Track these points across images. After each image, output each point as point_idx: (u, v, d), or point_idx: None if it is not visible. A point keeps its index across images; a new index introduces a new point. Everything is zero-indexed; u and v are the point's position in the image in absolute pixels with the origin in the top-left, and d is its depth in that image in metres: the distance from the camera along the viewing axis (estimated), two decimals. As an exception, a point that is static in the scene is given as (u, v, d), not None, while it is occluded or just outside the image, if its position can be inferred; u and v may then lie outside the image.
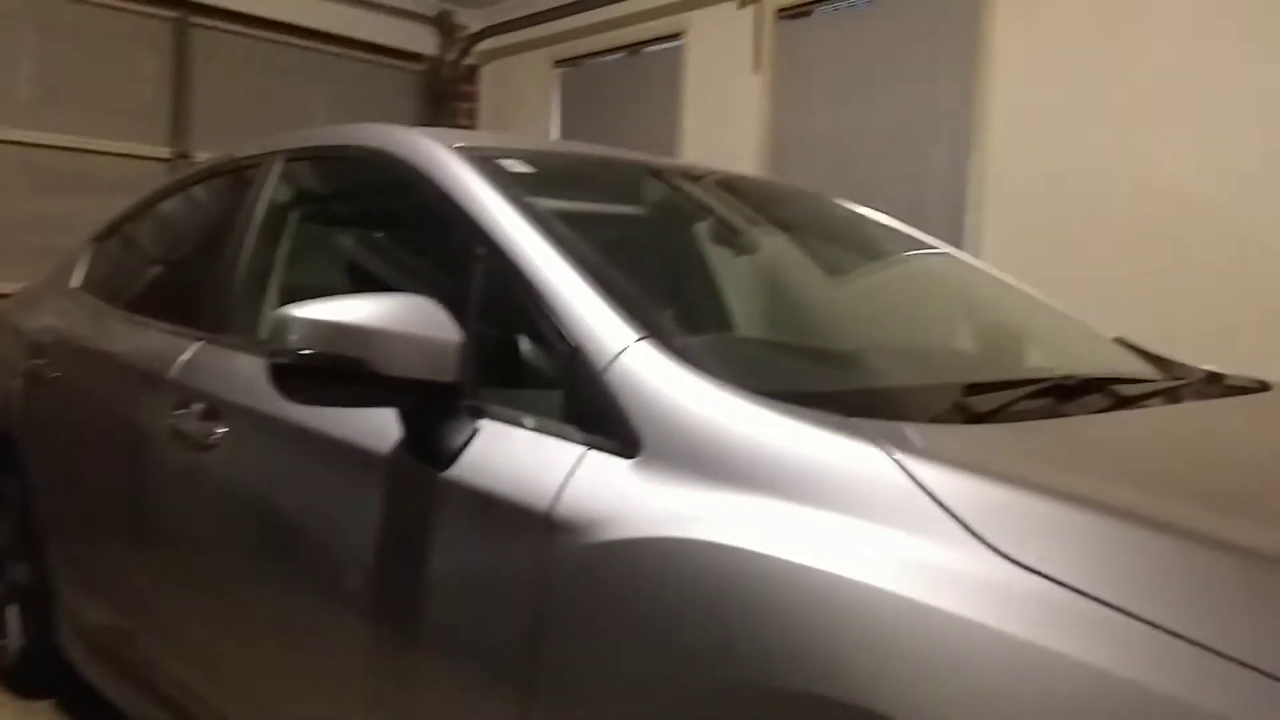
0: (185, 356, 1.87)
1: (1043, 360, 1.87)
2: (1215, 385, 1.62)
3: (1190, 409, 1.45)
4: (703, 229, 2.08)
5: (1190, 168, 3.09)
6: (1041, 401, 1.31)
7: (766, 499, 0.99)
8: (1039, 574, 0.82)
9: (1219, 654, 0.72)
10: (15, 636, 2.52)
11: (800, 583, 0.90)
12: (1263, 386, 1.62)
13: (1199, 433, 1.33)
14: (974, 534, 0.87)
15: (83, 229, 2.93)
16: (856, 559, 0.89)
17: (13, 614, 2.54)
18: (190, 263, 2.31)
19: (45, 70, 4.00)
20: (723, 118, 4.29)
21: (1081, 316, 1.97)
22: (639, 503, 1.06)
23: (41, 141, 3.99)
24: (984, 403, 1.25)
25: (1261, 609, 0.77)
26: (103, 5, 4.12)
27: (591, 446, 1.15)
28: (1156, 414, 1.39)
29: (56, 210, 3.92)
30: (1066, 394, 1.35)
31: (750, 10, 4.16)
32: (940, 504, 0.91)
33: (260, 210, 1.95)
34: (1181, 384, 1.58)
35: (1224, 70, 3.04)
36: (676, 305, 1.35)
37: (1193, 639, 0.74)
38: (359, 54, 4.92)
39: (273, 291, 1.88)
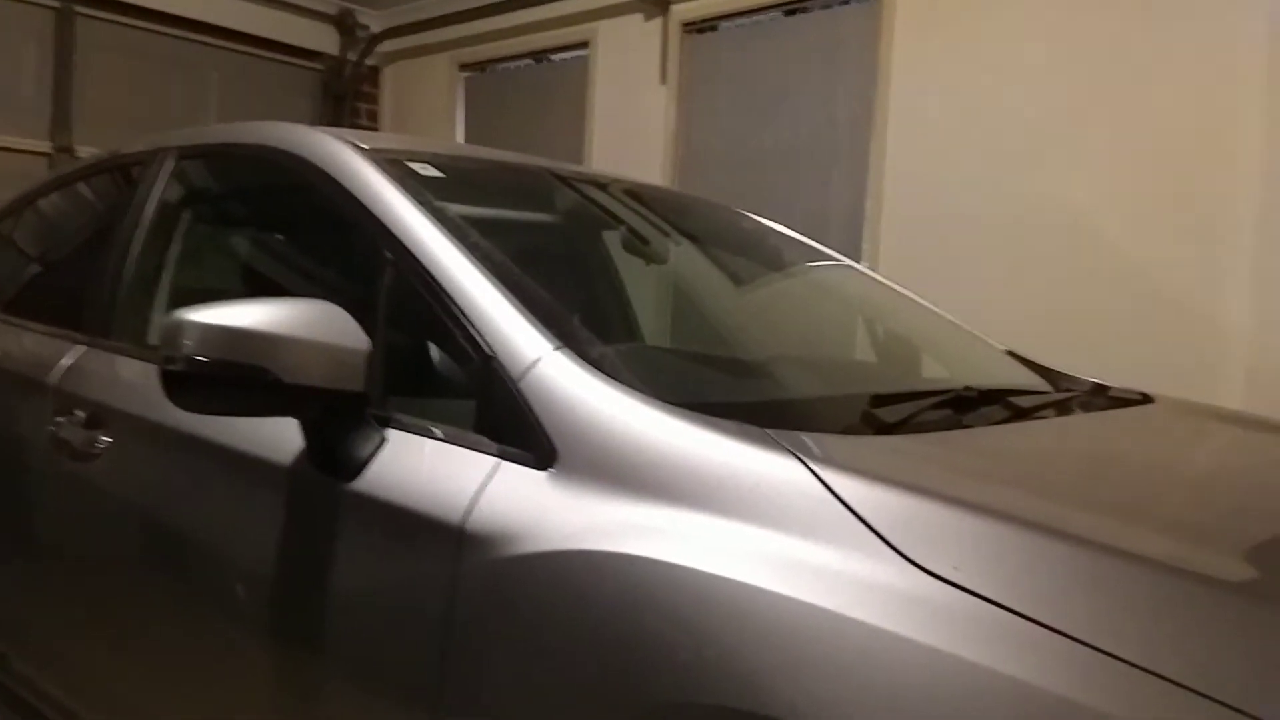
0: (67, 361, 1.77)
1: (941, 372, 1.93)
2: (1102, 397, 1.70)
3: (1082, 420, 1.51)
4: (611, 238, 2.07)
5: (1074, 188, 3.24)
6: (944, 413, 1.35)
7: (683, 511, 0.98)
8: (952, 584, 0.83)
9: (1124, 661, 0.75)
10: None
11: (716, 595, 0.90)
12: (1146, 399, 1.70)
13: (1092, 444, 1.39)
14: (889, 544, 0.88)
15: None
16: (772, 570, 0.89)
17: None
18: (73, 263, 2.19)
19: None
20: (629, 128, 4.31)
21: (974, 328, 2.04)
22: (553, 515, 1.04)
23: None
24: (891, 414, 1.27)
25: (1158, 615, 0.80)
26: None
27: (505, 458, 1.12)
28: (1051, 425, 1.44)
29: None
30: (966, 405, 1.39)
31: (657, 23, 4.19)
32: (856, 514, 0.91)
33: (150, 209, 1.85)
34: (1072, 396, 1.65)
35: (1106, 92, 3.20)
36: (588, 315, 1.34)
37: (1100, 647, 0.76)
38: (255, 51, 4.75)
39: (163, 295, 1.79)
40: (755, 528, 0.94)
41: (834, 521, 0.91)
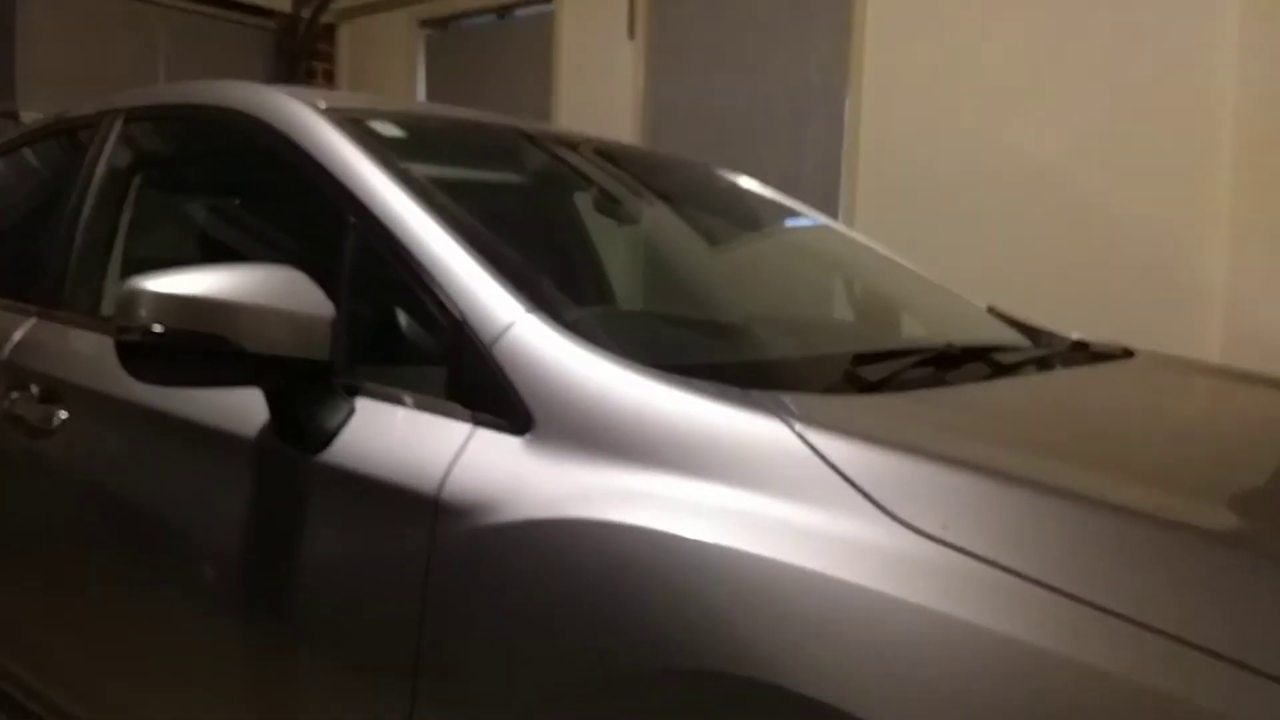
0: (18, 335, 1.71)
1: (922, 330, 1.91)
2: (1084, 353, 1.69)
3: (1064, 376, 1.50)
4: (583, 198, 2.03)
5: (1050, 144, 3.23)
6: (926, 371, 1.33)
7: (664, 475, 0.96)
8: (940, 542, 0.82)
9: (1114, 614, 0.74)
10: None
11: (699, 559, 0.88)
12: (1127, 354, 1.70)
13: (1076, 399, 1.38)
14: (875, 503, 0.87)
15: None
16: (757, 532, 0.87)
17: None
18: (21, 232, 2.11)
19: None
20: (597, 86, 4.23)
21: (953, 285, 2.03)
22: (531, 482, 1.01)
23: None
24: (873, 372, 1.25)
25: (1146, 567, 0.79)
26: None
27: (479, 425, 1.09)
28: (1033, 381, 1.43)
29: None
30: (949, 363, 1.37)
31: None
32: (840, 474, 0.89)
33: (100, 174, 1.78)
34: (1052, 352, 1.64)
35: (1082, 47, 3.18)
36: (560, 277, 1.30)
37: (1090, 601, 0.75)
38: (205, 9, 4.61)
39: (116, 263, 1.73)
40: (737, 490, 0.92)
41: (818, 481, 0.90)
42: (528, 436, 1.05)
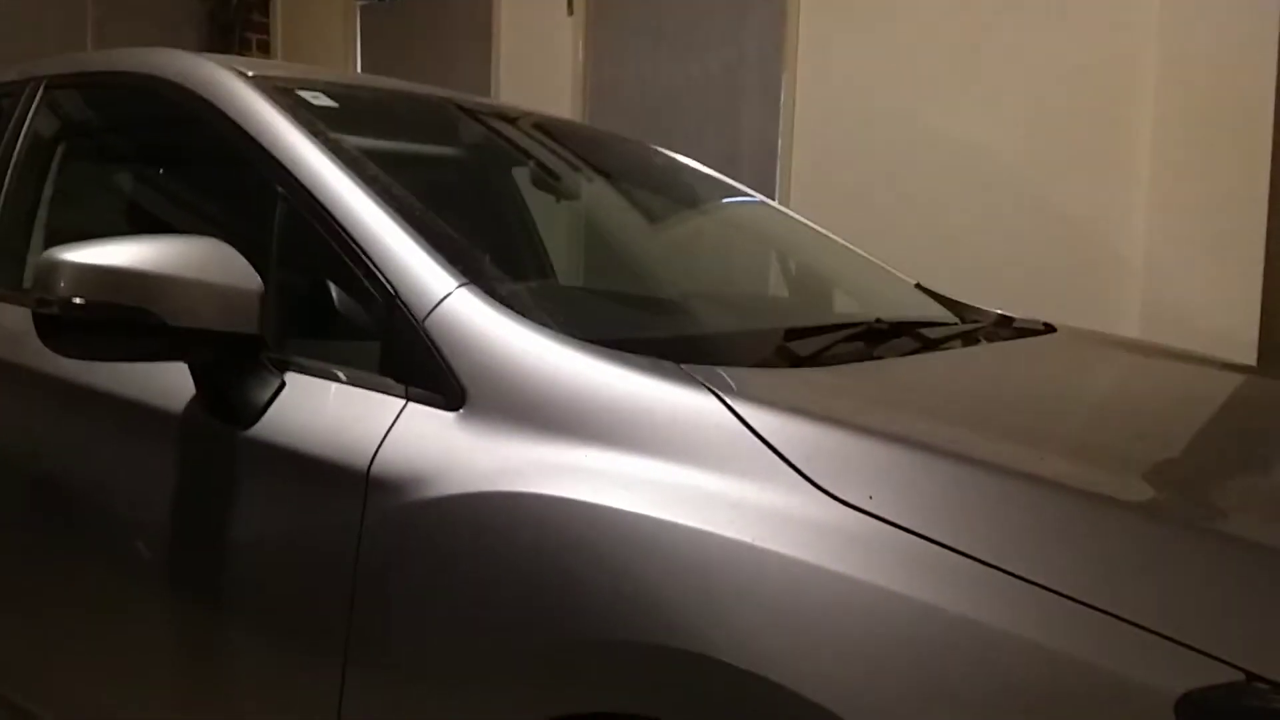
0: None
1: (852, 306, 1.94)
2: (1007, 328, 1.73)
3: (988, 350, 1.53)
4: (519, 173, 2.01)
5: (977, 121, 3.29)
6: (856, 345, 1.35)
7: (597, 448, 0.96)
8: (866, 513, 0.84)
9: (1031, 583, 0.76)
10: None
11: (631, 532, 0.89)
12: (1049, 329, 1.74)
13: (998, 372, 1.41)
14: (803, 475, 0.88)
15: None
16: (688, 505, 0.88)
17: None
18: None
19: None
20: (536, 61, 4.19)
21: (883, 263, 2.06)
22: (464, 457, 1.01)
23: None
24: (803, 347, 1.27)
25: (1063, 537, 0.82)
26: None
27: (412, 399, 1.08)
28: (959, 355, 1.46)
29: None
30: (878, 338, 1.40)
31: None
32: (770, 447, 0.91)
33: (20, 143, 1.72)
34: (978, 327, 1.68)
35: (1011, 25, 3.23)
36: (495, 251, 1.29)
37: (1008, 569, 0.77)
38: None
39: (37, 234, 1.67)
40: (670, 463, 0.93)
41: (748, 454, 0.91)
42: (461, 411, 1.05)
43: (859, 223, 3.11)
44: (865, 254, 2.06)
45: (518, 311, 1.10)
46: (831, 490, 0.86)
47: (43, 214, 1.70)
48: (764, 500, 0.87)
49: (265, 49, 4.90)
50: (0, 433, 1.47)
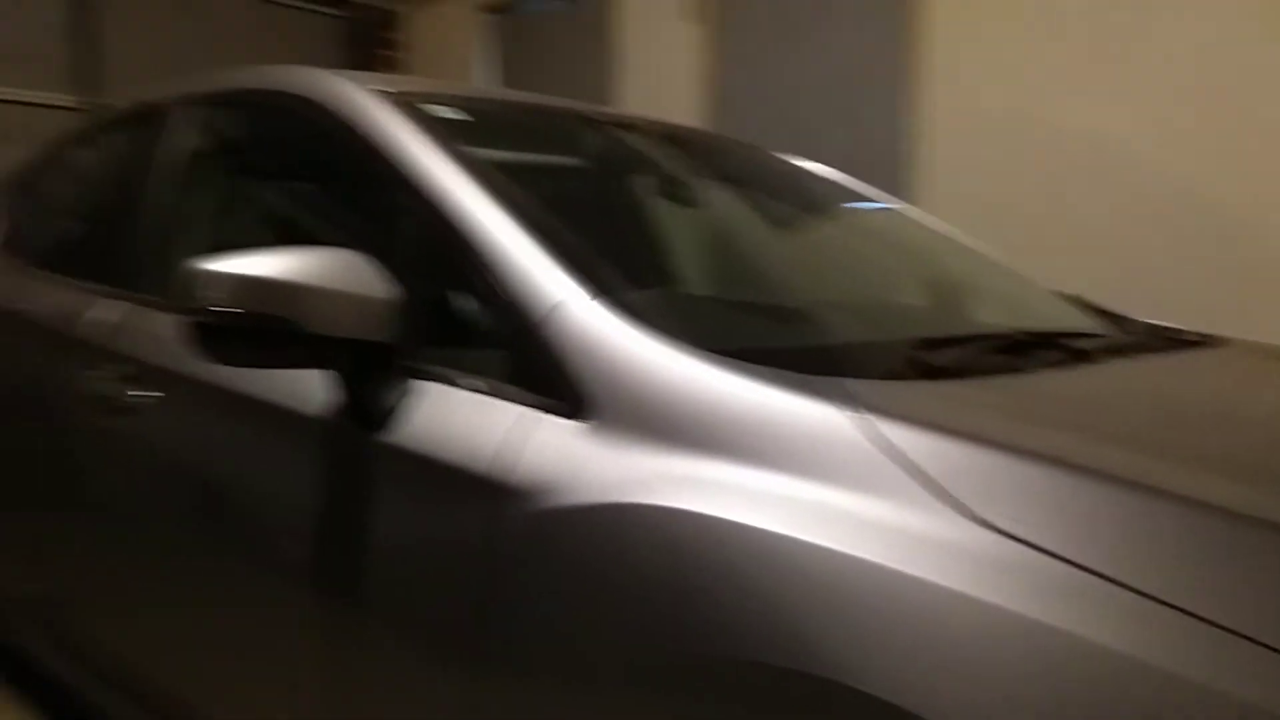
0: (100, 315, 1.75)
1: (993, 316, 1.85)
2: (1164, 339, 1.62)
3: (1144, 363, 1.43)
4: (644, 181, 2.01)
5: (1128, 121, 3.11)
6: (997, 357, 1.29)
7: (722, 462, 0.94)
8: (1011, 537, 0.79)
9: (1196, 617, 0.70)
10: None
11: (761, 549, 0.86)
12: (1211, 341, 1.62)
13: (1156, 388, 1.32)
14: (941, 494, 0.83)
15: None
16: (821, 523, 0.85)
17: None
18: (96, 216, 2.17)
19: None
20: (658, 68, 4.20)
21: (1026, 271, 1.96)
22: (590, 466, 1.00)
23: None
24: (940, 358, 1.21)
25: (1232, 568, 0.75)
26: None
27: (537, 407, 1.08)
28: (1112, 369, 1.37)
29: None
30: (1021, 349, 1.33)
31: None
32: (905, 463, 0.87)
33: (168, 159, 1.82)
34: (1132, 339, 1.58)
35: (1162, 22, 3.05)
36: (620, 259, 1.29)
37: (1171, 602, 0.71)
38: (278, 3, 4.69)
39: (186, 245, 1.76)
40: (799, 479, 0.89)
41: (881, 471, 0.87)
42: (584, 419, 1.04)
43: (997, 227, 2.99)
44: (1005, 260, 1.97)
45: (641, 320, 1.09)
46: (974, 511, 0.81)
47: (188, 226, 1.79)
48: (900, 520, 0.83)
49: (396, 65, 5.07)
50: (155, 433, 1.54)
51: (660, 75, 4.19)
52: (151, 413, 1.55)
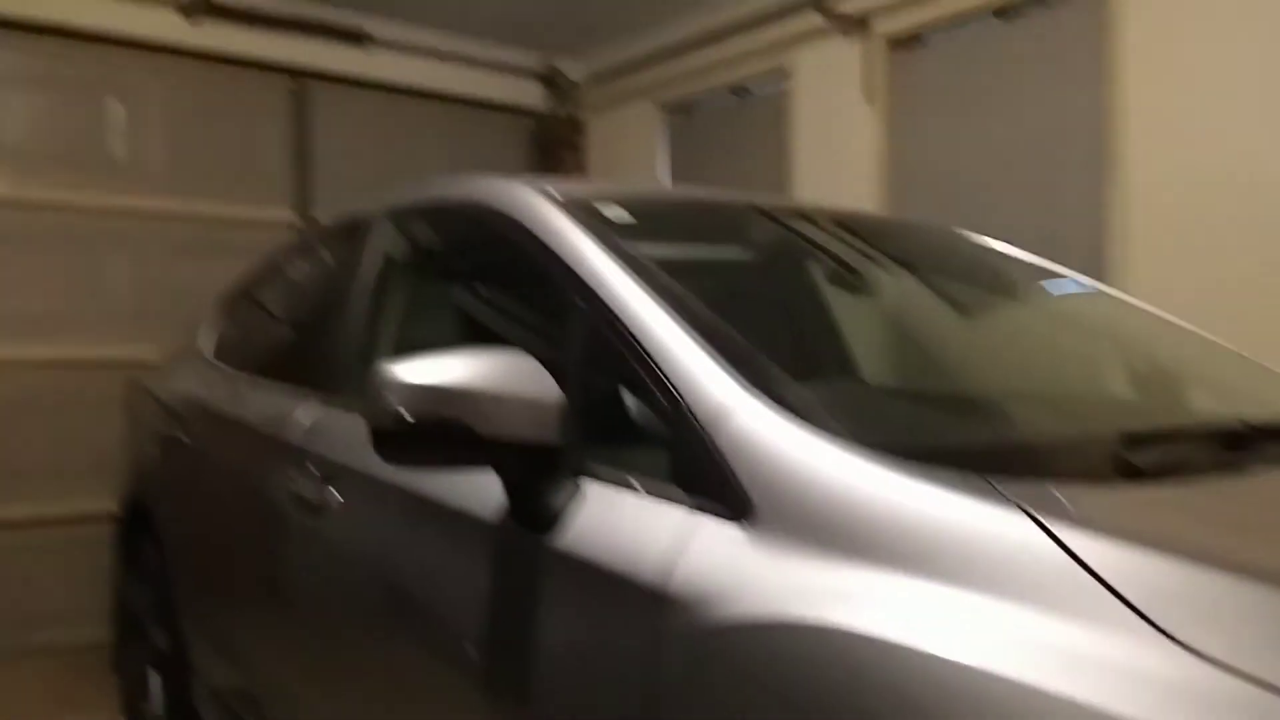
0: (303, 418, 1.87)
1: (1210, 404, 1.67)
2: None
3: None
4: (819, 271, 1.97)
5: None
6: (1215, 452, 1.15)
7: (896, 575, 0.87)
8: (1234, 671, 0.68)
9: None
10: (156, 700, 2.56)
11: (942, 678, 0.78)
12: None
13: None
14: (1148, 622, 0.74)
15: (212, 294, 3.03)
16: (1010, 650, 0.77)
17: (154, 678, 2.58)
18: (308, 323, 2.35)
19: (172, 139, 4.17)
20: (836, 154, 4.17)
21: (1249, 351, 1.77)
22: (755, 576, 0.96)
23: (171, 209, 4.15)
24: (1146, 456, 1.09)
25: None
26: (226, 79, 4.29)
27: (701, 511, 1.06)
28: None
29: (189, 275, 4.06)
30: (1242, 443, 1.18)
31: (859, 42, 4.04)
32: (1104, 584, 0.78)
33: (368, 267, 1.95)
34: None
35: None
36: (792, 354, 1.25)
37: None
38: (471, 110, 5.02)
39: (380, 349, 1.86)
40: (984, 598, 0.82)
41: (1079, 593, 0.78)
42: (749, 525, 1.01)
43: (1212, 304, 2.74)
44: (1223, 342, 1.78)
45: (810, 419, 1.05)
46: (1185, 641, 0.72)
47: (384, 330, 1.89)
48: (1101, 650, 0.74)
49: (580, 165, 5.29)
50: (347, 531, 1.62)
51: (837, 160, 4.16)
52: (341, 512, 1.62)
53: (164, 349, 3.25)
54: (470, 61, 4.93)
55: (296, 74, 4.48)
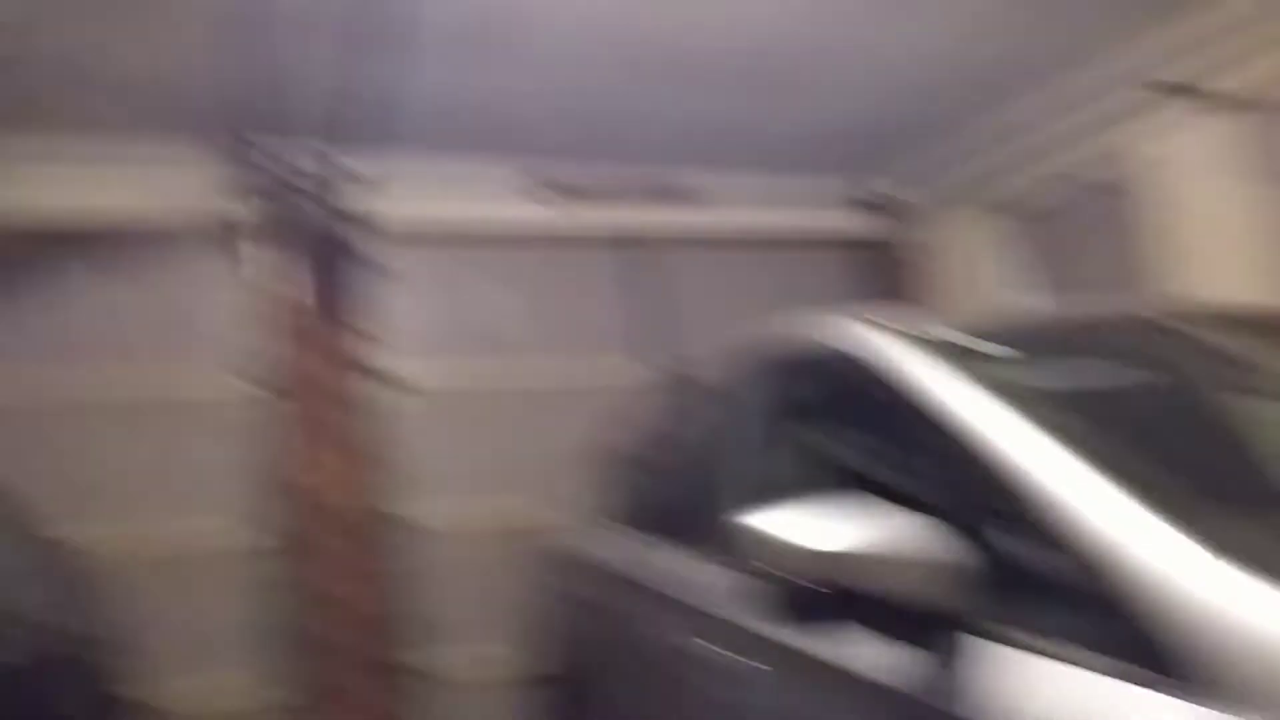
0: (694, 577, 1.90)
1: None
2: None
3: None
4: (1231, 382, 1.71)
5: None
6: None
7: None
8: None
9: None
10: None
11: None
12: None
13: None
14: None
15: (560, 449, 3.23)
16: None
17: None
18: (680, 477, 2.41)
19: (529, 308, 4.59)
20: (1214, 240, 3.74)
21: None
22: None
23: (528, 376, 4.50)
24: None
25: None
26: (569, 256, 4.69)
27: (1130, 680, 0.96)
28: None
29: (544, 432, 4.32)
30: None
31: (1228, 115, 3.64)
32: None
33: (723, 417, 1.99)
34: None
35: None
36: (1221, 489, 1.11)
37: None
38: (810, 248, 5.13)
39: (750, 500, 1.88)
40: None
41: None
42: (1194, 698, 0.90)
43: None
44: None
45: (1258, 567, 0.92)
46: None
47: (748, 481, 1.88)
48: None
49: (925, 288, 5.13)
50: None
51: (1218, 248, 3.72)
52: (758, 675, 1.58)
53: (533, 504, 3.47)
54: (804, 203, 5.05)
55: (636, 241, 4.81)
